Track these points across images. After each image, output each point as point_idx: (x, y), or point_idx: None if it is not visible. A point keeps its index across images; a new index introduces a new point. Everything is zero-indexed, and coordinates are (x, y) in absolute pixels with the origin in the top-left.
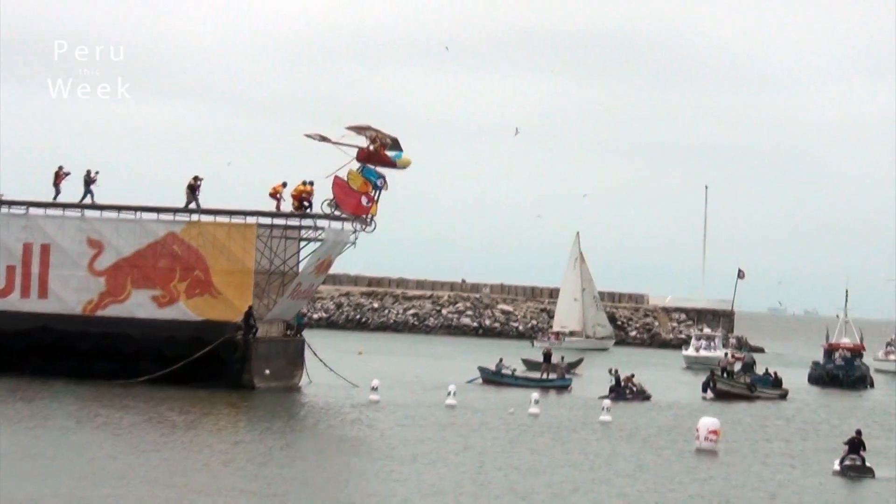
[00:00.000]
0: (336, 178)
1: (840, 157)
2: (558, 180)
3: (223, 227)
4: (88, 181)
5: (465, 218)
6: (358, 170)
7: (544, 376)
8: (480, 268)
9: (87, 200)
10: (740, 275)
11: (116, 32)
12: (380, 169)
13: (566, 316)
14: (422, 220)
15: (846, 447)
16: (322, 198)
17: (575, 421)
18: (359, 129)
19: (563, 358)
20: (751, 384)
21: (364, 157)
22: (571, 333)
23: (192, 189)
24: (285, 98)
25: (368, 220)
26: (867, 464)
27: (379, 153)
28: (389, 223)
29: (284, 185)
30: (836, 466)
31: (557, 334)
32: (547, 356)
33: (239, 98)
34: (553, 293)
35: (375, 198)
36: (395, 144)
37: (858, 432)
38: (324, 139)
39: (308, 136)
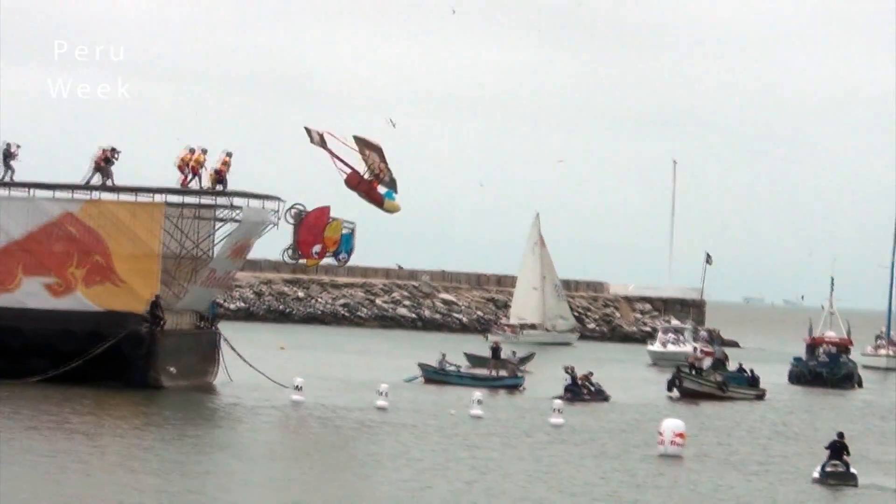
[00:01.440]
0: (326, 209)
1: (825, 129)
2: (509, 155)
3: (126, 206)
4: (7, 156)
5: (401, 196)
6: (345, 227)
7: (493, 374)
8: (418, 252)
9: (7, 178)
10: (708, 260)
11: (116, 32)
12: (356, 239)
13: (524, 307)
14: (352, 199)
15: (828, 452)
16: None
17: (523, 423)
18: (365, 145)
19: (514, 353)
20: (722, 382)
21: (355, 182)
22: (526, 326)
23: (108, 161)
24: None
25: (299, 257)
26: (850, 470)
27: (371, 185)
28: (315, 201)
29: (192, 151)
30: (816, 473)
31: (513, 327)
32: (495, 351)
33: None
34: (501, 281)
35: (324, 256)
36: (392, 184)
37: (840, 435)
38: (323, 143)
39: (308, 130)
